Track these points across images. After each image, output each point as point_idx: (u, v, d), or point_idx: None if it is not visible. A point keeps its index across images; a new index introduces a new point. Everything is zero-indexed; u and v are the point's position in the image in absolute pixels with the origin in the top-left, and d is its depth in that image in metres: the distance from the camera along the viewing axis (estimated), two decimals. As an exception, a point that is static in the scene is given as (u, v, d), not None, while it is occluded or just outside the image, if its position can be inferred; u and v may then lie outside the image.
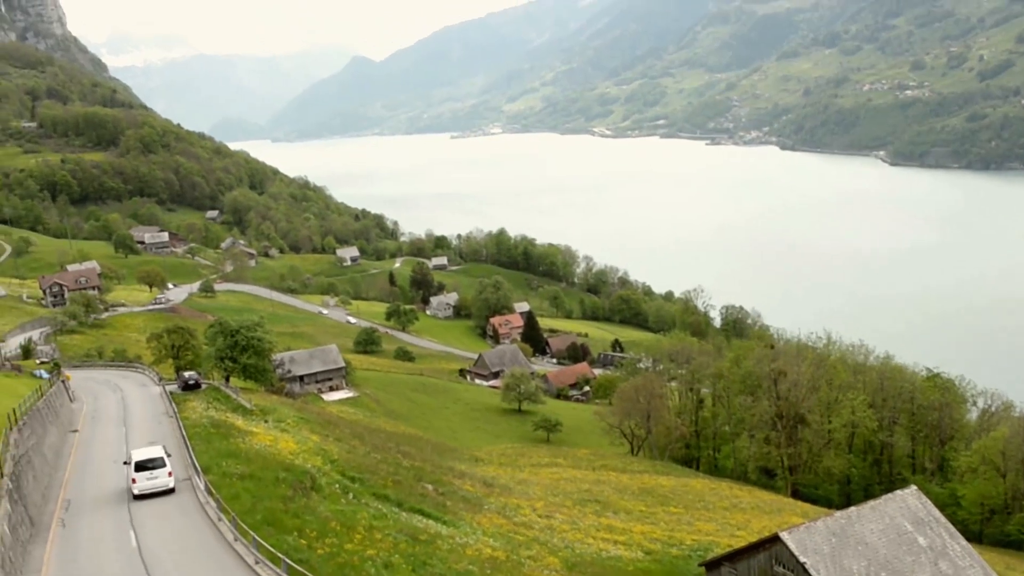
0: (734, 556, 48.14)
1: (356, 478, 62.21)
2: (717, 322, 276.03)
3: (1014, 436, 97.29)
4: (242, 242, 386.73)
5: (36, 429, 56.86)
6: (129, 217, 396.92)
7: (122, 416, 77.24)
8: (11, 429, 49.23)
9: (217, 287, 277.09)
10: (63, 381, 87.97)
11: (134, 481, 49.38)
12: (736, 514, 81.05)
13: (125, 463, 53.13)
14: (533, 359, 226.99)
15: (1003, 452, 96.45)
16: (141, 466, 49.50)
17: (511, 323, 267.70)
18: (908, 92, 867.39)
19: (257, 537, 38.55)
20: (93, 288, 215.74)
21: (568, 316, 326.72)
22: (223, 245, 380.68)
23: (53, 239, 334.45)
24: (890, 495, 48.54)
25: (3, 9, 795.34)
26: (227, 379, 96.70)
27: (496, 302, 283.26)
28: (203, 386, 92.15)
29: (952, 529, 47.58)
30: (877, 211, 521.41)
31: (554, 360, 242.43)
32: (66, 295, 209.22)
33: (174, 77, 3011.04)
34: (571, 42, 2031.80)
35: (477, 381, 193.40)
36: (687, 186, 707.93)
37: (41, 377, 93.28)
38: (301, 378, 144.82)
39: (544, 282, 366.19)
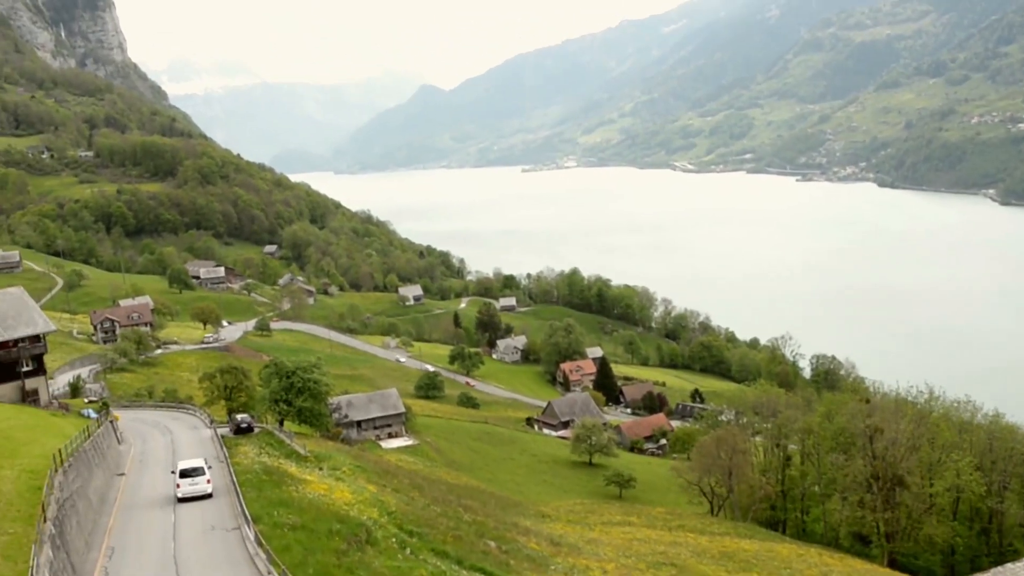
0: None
1: (414, 532, 62.17)
2: (807, 372, 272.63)
3: None
4: (300, 279, 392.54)
5: (82, 472, 57.90)
6: (185, 251, 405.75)
7: (171, 460, 78.43)
8: (56, 471, 50.21)
9: (273, 325, 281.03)
10: (111, 422, 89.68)
11: (178, 486, 60.56)
12: (826, 584, 79.24)
13: (172, 472, 64.49)
14: (606, 409, 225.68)
15: None
16: (185, 473, 61.09)
17: (583, 369, 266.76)
18: (1021, 125, 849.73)
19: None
20: (145, 324, 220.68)
21: (644, 363, 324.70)
22: (281, 282, 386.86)
23: (106, 272, 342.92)
24: (1000, 568, 46.87)
25: (63, 35, 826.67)
26: (281, 423, 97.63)
27: (567, 347, 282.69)
28: (256, 430, 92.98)
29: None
30: (986, 255, 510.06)
31: (628, 410, 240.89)
32: (117, 331, 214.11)
33: (235, 106, 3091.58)
34: (653, 71, 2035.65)
35: (545, 431, 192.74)
36: (775, 225, 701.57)
37: (89, 417, 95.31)
38: (358, 423, 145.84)
39: (619, 326, 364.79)
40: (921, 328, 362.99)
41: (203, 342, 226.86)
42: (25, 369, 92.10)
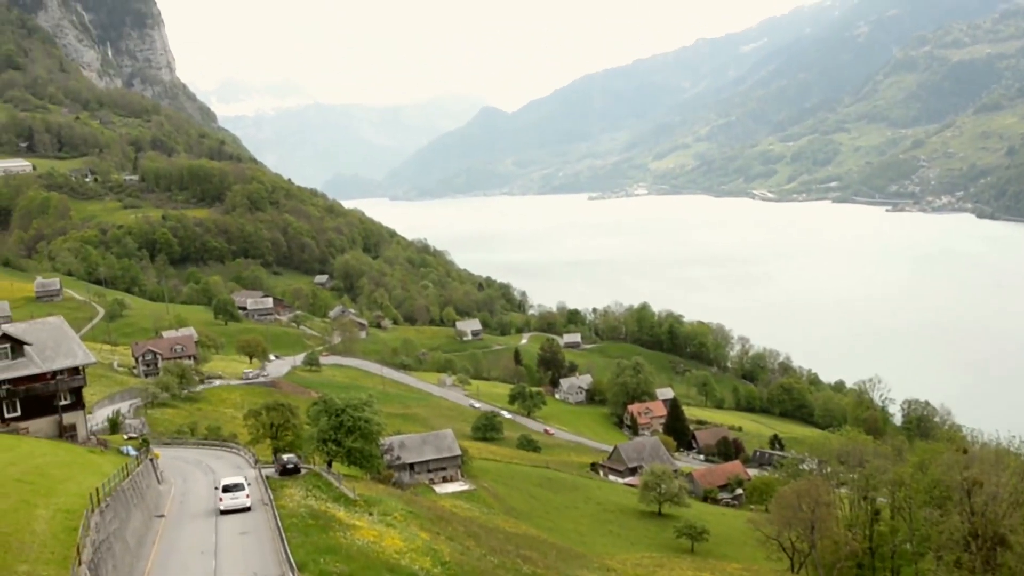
0: None
1: (468, 584, 61.98)
2: (897, 419, 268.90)
3: None
4: (352, 311, 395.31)
5: (119, 512, 58.49)
6: (231, 280, 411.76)
7: (212, 502, 79.08)
8: (92, 511, 50.78)
9: (323, 360, 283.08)
10: (151, 460, 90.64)
11: (220, 500, 70.47)
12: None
13: (216, 488, 74.64)
14: (676, 454, 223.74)
15: None
16: (227, 488, 71.32)
17: (652, 412, 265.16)
18: None
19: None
20: (189, 357, 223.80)
21: (719, 406, 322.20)
22: (331, 314, 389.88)
23: (149, 302, 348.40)
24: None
25: (110, 53, 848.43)
26: (329, 464, 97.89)
27: (635, 387, 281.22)
28: (303, 471, 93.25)
29: None
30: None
31: (701, 456, 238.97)
32: (159, 364, 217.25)
33: (286, 127, 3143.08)
34: (730, 92, 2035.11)
35: (611, 477, 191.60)
36: (863, 259, 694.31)
37: (128, 454, 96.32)
38: (411, 466, 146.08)
39: (692, 366, 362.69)
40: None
41: (243, 377, 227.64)
42: (63, 403, 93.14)
